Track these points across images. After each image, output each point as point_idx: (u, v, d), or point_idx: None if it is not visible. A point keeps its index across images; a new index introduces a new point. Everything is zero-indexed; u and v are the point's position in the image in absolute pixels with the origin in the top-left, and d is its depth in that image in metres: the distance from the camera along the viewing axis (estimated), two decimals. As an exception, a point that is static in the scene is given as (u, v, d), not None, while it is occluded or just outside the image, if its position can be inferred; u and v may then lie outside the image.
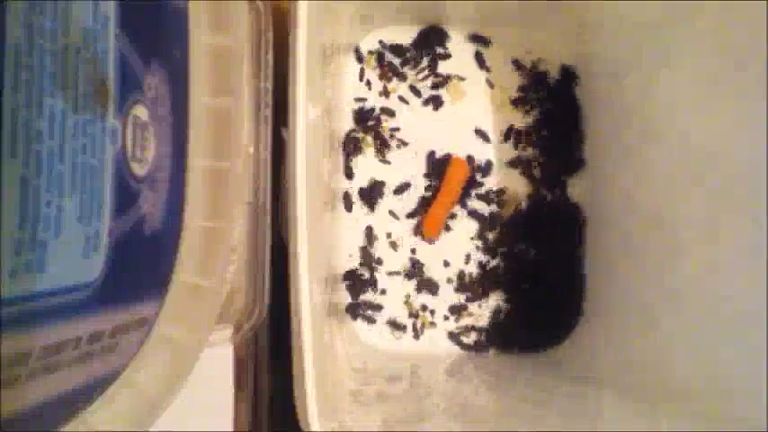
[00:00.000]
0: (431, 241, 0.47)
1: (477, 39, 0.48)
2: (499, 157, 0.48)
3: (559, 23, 0.47)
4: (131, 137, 0.23)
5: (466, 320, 0.47)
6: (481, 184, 0.47)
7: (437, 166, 0.47)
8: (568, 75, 0.48)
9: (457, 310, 0.47)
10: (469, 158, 0.47)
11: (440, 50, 0.48)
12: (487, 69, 0.48)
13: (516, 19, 0.47)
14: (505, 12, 0.47)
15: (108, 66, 0.21)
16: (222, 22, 0.29)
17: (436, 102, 0.48)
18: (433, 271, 0.47)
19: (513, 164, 0.48)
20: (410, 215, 0.47)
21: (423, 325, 0.46)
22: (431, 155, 0.47)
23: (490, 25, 0.48)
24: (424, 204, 0.47)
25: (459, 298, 0.47)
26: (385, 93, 0.47)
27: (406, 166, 0.47)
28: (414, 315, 0.46)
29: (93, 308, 0.21)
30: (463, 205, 0.47)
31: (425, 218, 0.46)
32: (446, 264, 0.47)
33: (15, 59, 0.16)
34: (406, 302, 0.47)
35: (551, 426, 0.34)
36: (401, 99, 0.47)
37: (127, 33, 0.22)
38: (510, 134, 0.48)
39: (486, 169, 0.47)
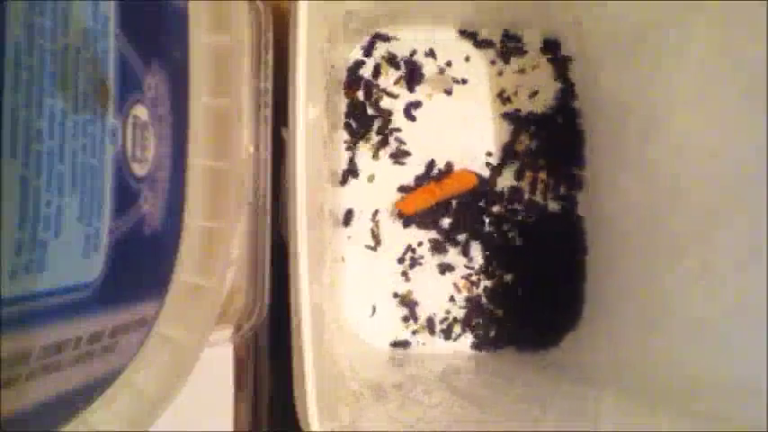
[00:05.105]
0: (406, 220, 0.47)
1: (472, 37, 0.48)
2: (500, 160, 0.48)
3: (559, 23, 0.47)
4: (131, 137, 0.23)
5: (465, 321, 0.47)
6: (485, 207, 0.47)
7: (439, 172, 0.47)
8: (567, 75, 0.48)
9: (457, 311, 0.47)
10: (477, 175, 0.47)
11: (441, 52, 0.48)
12: (486, 69, 0.48)
13: (515, 19, 0.47)
14: (504, 11, 0.47)
15: (108, 66, 0.21)
16: (222, 22, 0.29)
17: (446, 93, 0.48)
18: (433, 271, 0.47)
19: (512, 162, 0.48)
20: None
21: (423, 325, 0.46)
22: (431, 163, 0.47)
23: (488, 26, 0.48)
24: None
25: (459, 298, 0.47)
26: (385, 92, 0.47)
27: (405, 166, 0.47)
28: (413, 316, 0.46)
29: (93, 308, 0.21)
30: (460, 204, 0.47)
31: (407, 195, 0.47)
32: (446, 262, 0.47)
33: (15, 59, 0.16)
34: (407, 301, 0.47)
35: (551, 426, 0.34)
36: (390, 95, 0.48)
37: (127, 33, 0.22)
38: (511, 135, 0.48)
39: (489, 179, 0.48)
